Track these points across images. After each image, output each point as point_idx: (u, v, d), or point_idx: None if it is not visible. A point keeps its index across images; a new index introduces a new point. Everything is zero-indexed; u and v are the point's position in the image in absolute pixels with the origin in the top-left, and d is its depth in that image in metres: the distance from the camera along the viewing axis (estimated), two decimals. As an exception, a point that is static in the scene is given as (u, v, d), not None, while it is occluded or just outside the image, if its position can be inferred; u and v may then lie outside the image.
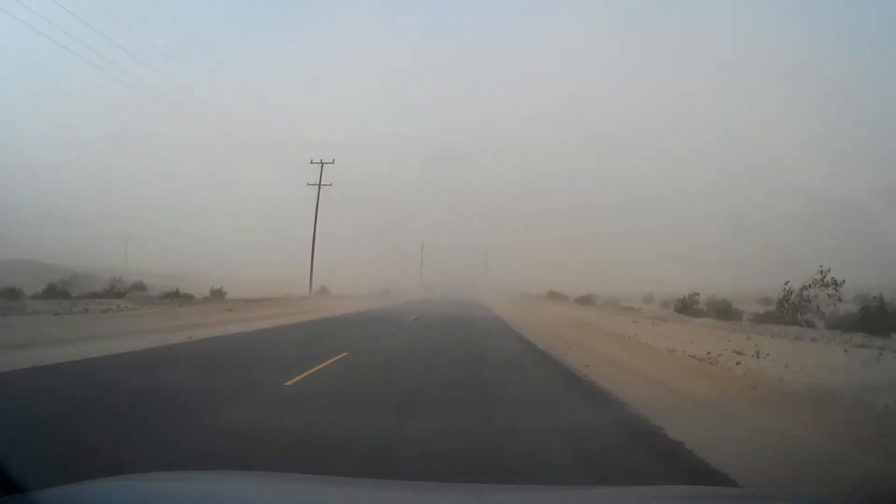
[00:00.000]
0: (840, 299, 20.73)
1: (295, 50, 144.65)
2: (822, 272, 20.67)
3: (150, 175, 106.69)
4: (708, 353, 11.84)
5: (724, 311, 26.01)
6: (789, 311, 21.97)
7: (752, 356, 10.93)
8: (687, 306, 28.43)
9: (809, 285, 21.26)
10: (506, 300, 55.33)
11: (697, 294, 29.49)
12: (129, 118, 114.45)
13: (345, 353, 11.39)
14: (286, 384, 8.00)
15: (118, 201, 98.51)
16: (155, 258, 65.58)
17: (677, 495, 2.90)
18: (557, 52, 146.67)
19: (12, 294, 21.03)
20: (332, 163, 39.46)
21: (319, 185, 39.75)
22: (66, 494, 1.93)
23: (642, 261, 79.04)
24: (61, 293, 23.15)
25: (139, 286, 32.32)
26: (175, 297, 24.81)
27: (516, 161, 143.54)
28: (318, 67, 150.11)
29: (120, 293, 25.36)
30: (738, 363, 10.43)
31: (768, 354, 10.88)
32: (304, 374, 8.78)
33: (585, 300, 43.54)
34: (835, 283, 20.50)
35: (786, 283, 22.34)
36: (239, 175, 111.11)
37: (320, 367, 9.67)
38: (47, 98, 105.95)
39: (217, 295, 29.53)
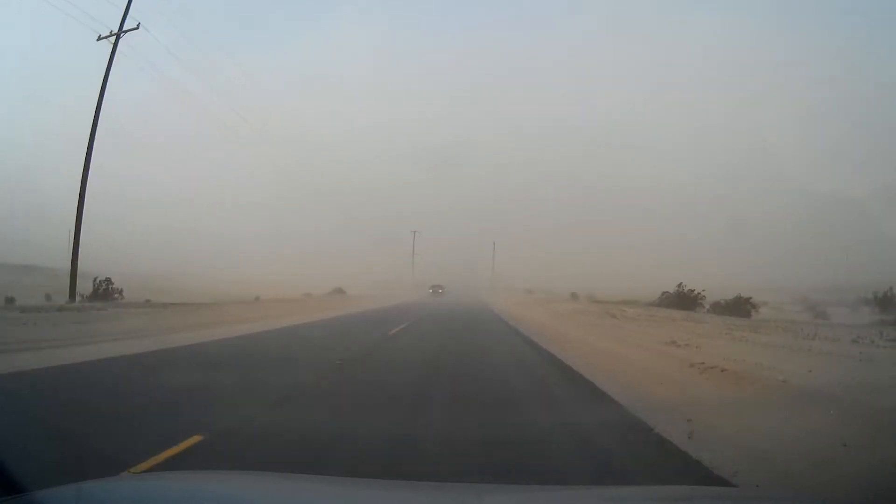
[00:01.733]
0: None
1: (293, 47, 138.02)
2: None
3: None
4: None
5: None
6: None
7: None
8: None
9: None
10: (564, 316, 23.72)
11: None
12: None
13: None
14: None
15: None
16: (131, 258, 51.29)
17: (677, 495, 2.88)
18: (566, 46, 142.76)
19: None
20: (137, 28, 21.42)
21: (118, 33, 21.01)
22: (66, 494, 1.95)
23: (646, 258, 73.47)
24: None
25: None
26: None
27: (522, 155, 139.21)
28: (314, 63, 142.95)
29: None
30: None
31: None
32: None
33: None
34: None
35: None
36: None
37: None
38: None
39: None
